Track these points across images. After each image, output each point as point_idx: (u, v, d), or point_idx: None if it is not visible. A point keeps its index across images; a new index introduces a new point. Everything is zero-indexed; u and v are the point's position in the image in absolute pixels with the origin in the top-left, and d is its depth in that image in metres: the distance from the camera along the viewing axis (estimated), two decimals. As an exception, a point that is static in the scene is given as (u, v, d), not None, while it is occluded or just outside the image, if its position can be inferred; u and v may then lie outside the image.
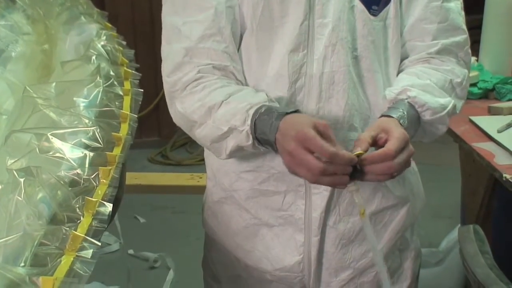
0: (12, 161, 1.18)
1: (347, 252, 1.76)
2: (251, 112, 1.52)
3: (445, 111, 1.61)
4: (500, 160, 2.22)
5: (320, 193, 1.67)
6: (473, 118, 2.56)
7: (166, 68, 1.68)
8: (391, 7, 1.64)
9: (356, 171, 1.45)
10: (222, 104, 1.56)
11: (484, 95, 2.85)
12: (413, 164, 1.83)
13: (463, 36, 1.72)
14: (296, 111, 1.51)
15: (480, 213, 3.02)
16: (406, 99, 1.59)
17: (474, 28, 5.75)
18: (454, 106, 1.64)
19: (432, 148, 5.06)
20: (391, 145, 1.44)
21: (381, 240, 1.77)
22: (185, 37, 1.62)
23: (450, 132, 2.52)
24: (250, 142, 1.54)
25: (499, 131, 2.41)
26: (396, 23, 1.65)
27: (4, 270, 0.90)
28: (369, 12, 1.62)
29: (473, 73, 2.89)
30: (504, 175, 2.11)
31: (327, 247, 1.74)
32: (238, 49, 1.66)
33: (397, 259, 1.85)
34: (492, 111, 2.64)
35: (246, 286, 1.87)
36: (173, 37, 1.65)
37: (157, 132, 5.53)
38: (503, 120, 2.50)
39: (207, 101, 1.58)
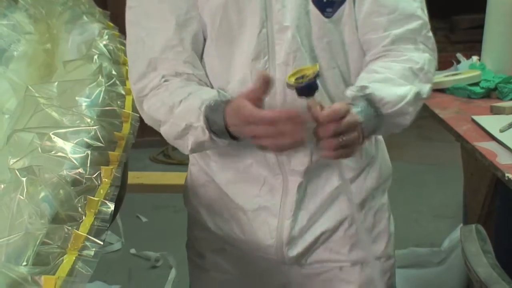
0: (14, 160, 1.19)
1: (318, 227, 1.83)
2: (203, 108, 1.57)
3: (404, 101, 1.63)
4: (502, 159, 2.22)
5: (295, 179, 1.74)
6: (475, 117, 2.55)
7: (132, 76, 1.70)
8: (346, 7, 1.67)
9: None
10: (181, 102, 1.62)
11: (487, 95, 2.84)
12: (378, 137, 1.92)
13: (418, 22, 1.71)
14: None
15: (482, 213, 3.02)
16: (364, 96, 1.61)
17: (476, 27, 5.75)
18: (417, 93, 1.66)
19: (433, 147, 5.07)
20: (339, 105, 1.48)
21: (345, 204, 1.82)
22: (148, 47, 1.66)
23: (452, 131, 2.52)
24: (207, 136, 1.58)
25: (501, 131, 2.41)
26: (351, 21, 1.68)
27: (7, 269, 0.90)
28: (323, 15, 1.65)
29: (475, 73, 2.89)
30: (506, 174, 2.11)
31: (298, 227, 1.81)
32: (202, 55, 1.71)
33: (370, 218, 1.91)
34: (494, 111, 2.64)
35: (229, 258, 1.94)
36: (137, 47, 1.68)
37: (158, 132, 5.53)
38: (506, 119, 2.50)
39: (168, 100, 1.63)
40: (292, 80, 1.47)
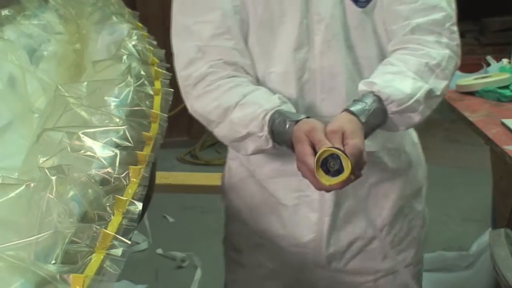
0: (44, 159, 1.19)
1: (355, 226, 1.87)
2: (267, 118, 1.62)
3: (413, 100, 1.64)
4: (532, 163, 2.20)
5: None
6: (505, 120, 2.54)
7: (178, 64, 1.77)
8: None
9: None
10: (237, 105, 1.67)
11: (516, 98, 2.82)
12: (412, 135, 1.96)
13: (441, 14, 1.71)
14: (307, 117, 1.61)
15: (511, 216, 3.00)
16: (372, 92, 1.64)
17: (507, 29, 5.70)
18: (429, 91, 1.67)
19: (463, 150, 5.04)
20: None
21: (384, 209, 1.88)
22: (195, 36, 1.72)
23: (481, 134, 2.50)
24: (270, 145, 1.65)
25: (531, 134, 2.39)
26: (380, 11, 1.72)
27: (35, 267, 0.90)
28: (357, 5, 1.70)
29: (505, 75, 2.87)
30: (535, 178, 2.09)
31: (337, 225, 1.85)
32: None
33: (405, 227, 1.94)
34: (524, 114, 2.62)
35: (266, 254, 1.97)
36: (185, 35, 1.75)
37: (186, 132, 5.53)
38: (535, 123, 2.48)
39: (222, 101, 1.69)
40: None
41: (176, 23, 1.79)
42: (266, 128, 1.63)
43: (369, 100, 1.62)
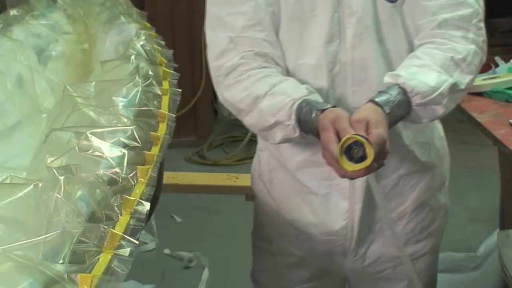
0: (52, 159, 1.19)
1: (382, 216, 1.91)
2: (295, 107, 1.67)
3: (437, 93, 1.68)
4: (540, 164, 2.20)
5: None
6: (513, 121, 2.53)
7: (211, 54, 1.81)
8: None
9: None
10: (266, 95, 1.72)
11: (525, 98, 2.82)
12: (439, 129, 2.01)
13: (469, 10, 1.75)
14: (334, 107, 1.67)
15: (519, 218, 2.99)
16: (397, 84, 1.68)
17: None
18: (454, 84, 1.70)
19: (470, 151, 5.03)
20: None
21: (409, 198, 1.93)
22: (228, 27, 1.75)
23: (489, 135, 2.49)
24: (297, 134, 1.70)
25: (539, 135, 2.39)
26: (409, 6, 1.76)
27: (43, 267, 0.90)
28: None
29: (513, 76, 2.87)
30: (544, 179, 2.09)
31: (367, 212, 1.89)
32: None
33: (429, 217, 1.99)
34: (532, 115, 2.61)
35: (296, 242, 2.01)
36: (218, 26, 1.78)
37: (194, 132, 5.54)
38: (544, 124, 2.47)
39: (252, 91, 1.73)
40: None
41: (209, 15, 1.83)
42: (293, 117, 1.67)
43: (394, 92, 1.66)
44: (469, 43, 1.74)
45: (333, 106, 1.66)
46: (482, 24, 1.77)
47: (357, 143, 1.52)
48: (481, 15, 1.77)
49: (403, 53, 1.78)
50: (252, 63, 1.75)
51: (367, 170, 1.53)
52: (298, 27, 1.77)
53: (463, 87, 1.73)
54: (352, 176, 1.59)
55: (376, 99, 1.64)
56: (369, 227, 1.93)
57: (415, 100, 1.68)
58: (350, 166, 1.52)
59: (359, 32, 1.74)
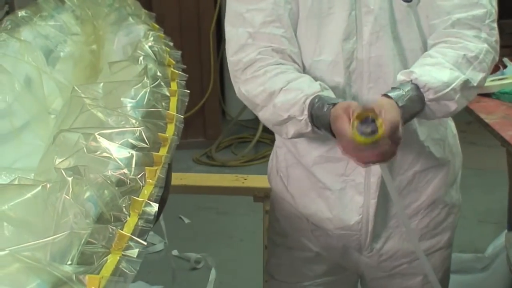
0: (60, 160, 1.20)
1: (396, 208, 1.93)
2: (307, 102, 1.72)
3: (449, 88, 1.72)
4: (549, 165, 2.19)
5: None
6: (522, 122, 2.53)
7: (230, 49, 1.86)
8: None
9: None
10: (281, 90, 1.76)
11: (533, 100, 2.81)
12: (452, 126, 2.06)
13: (482, 10, 1.79)
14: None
15: (527, 219, 2.98)
16: (410, 80, 1.72)
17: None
18: (466, 81, 1.74)
19: (478, 152, 5.02)
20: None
21: (424, 194, 1.97)
22: (247, 23, 1.80)
23: (497, 136, 2.49)
24: (310, 129, 1.74)
25: (548, 136, 2.38)
26: (424, 6, 1.80)
27: (51, 268, 0.90)
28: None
29: (521, 78, 2.86)
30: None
31: (383, 207, 1.94)
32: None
33: (443, 213, 2.04)
34: (541, 116, 2.61)
35: (312, 238, 2.05)
36: (237, 22, 1.83)
37: (202, 133, 5.54)
38: (552, 125, 2.47)
39: (268, 86, 1.78)
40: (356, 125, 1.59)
41: (230, 10, 1.87)
42: (306, 112, 1.72)
43: (406, 87, 1.71)
44: (481, 42, 1.78)
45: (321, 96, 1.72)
46: (495, 25, 1.81)
47: (367, 119, 1.57)
48: (494, 16, 1.81)
49: (418, 51, 1.82)
50: (269, 59, 1.79)
51: (380, 151, 1.59)
52: (316, 25, 1.81)
53: (475, 84, 1.77)
54: (367, 159, 1.64)
55: (389, 94, 1.69)
56: (384, 223, 1.96)
57: (428, 95, 1.71)
58: (363, 140, 1.56)
59: (376, 30, 1.78)
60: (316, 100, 1.71)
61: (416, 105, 1.72)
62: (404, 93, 1.69)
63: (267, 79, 1.78)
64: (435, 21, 1.80)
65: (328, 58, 1.82)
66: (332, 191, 1.94)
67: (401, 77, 1.74)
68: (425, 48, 1.83)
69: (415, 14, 1.81)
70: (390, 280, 2.07)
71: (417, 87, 1.71)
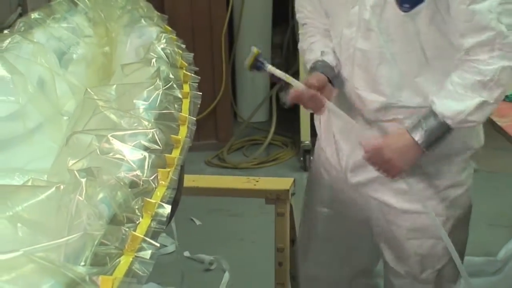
0: (74, 161, 1.20)
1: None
2: (309, 65, 2.24)
3: (463, 115, 1.93)
4: (561, 168, 2.18)
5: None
6: (534, 125, 2.52)
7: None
8: (424, 6, 1.93)
9: None
10: (306, 50, 2.29)
11: (546, 103, 2.80)
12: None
13: (491, 34, 1.87)
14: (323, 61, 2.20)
15: (540, 222, 2.97)
16: (432, 111, 1.97)
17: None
18: (481, 103, 1.91)
19: (490, 155, 4.99)
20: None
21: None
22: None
23: (510, 139, 2.48)
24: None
25: (560, 139, 2.37)
26: (428, 18, 1.95)
27: (65, 269, 0.91)
28: (401, 9, 1.96)
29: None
30: None
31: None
32: None
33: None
34: (553, 119, 2.60)
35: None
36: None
37: (214, 135, 5.54)
38: None
39: (303, 44, 2.34)
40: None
41: None
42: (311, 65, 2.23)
43: (427, 122, 1.96)
44: (497, 60, 1.87)
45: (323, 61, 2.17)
46: (507, 40, 1.86)
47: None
48: (506, 33, 1.86)
49: (412, 54, 2.02)
50: (309, 25, 2.30)
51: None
52: (331, 16, 2.20)
53: (492, 101, 1.92)
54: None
55: (407, 124, 2.02)
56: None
57: (448, 122, 1.94)
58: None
59: (369, 28, 2.03)
60: (312, 66, 2.20)
61: (436, 133, 1.97)
62: (424, 126, 1.97)
63: (304, 39, 2.32)
64: (452, 38, 1.95)
65: (335, 41, 2.19)
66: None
67: (425, 111, 1.99)
68: (422, 51, 2.01)
69: (413, 23, 1.97)
70: (404, 242, 2.29)
71: (435, 115, 1.95)
